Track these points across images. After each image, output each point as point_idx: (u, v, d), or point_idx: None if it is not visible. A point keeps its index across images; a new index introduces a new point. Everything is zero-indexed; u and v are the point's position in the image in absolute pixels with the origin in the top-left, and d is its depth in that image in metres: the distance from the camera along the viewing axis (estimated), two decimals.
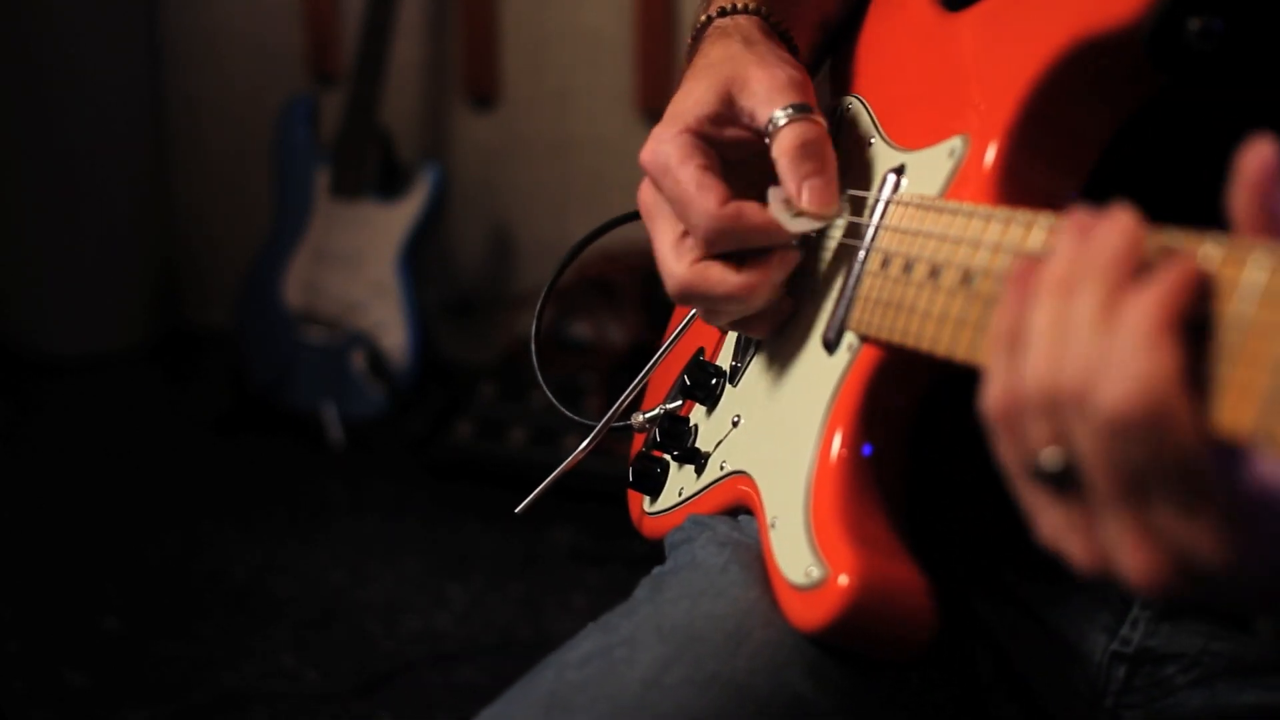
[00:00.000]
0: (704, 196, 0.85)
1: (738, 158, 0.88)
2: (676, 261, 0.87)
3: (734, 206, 0.85)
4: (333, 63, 3.51)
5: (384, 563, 2.68)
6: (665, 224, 0.88)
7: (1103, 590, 0.87)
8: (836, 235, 0.89)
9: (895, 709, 0.86)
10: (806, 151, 0.84)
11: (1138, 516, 0.57)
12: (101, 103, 3.45)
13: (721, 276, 0.86)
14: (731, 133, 0.88)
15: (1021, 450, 0.60)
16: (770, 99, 0.86)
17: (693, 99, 0.88)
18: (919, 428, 0.84)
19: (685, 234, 0.87)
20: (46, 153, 3.45)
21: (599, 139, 3.29)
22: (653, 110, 3.18)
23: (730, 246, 0.86)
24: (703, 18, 0.95)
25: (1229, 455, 0.54)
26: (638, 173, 0.91)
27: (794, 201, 0.84)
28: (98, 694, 2.27)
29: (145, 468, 3.07)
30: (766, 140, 0.86)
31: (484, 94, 3.41)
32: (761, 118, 0.86)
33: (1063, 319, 0.58)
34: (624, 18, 3.21)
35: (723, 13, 0.93)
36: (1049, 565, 0.88)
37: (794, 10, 0.96)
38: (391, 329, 3.13)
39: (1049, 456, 0.58)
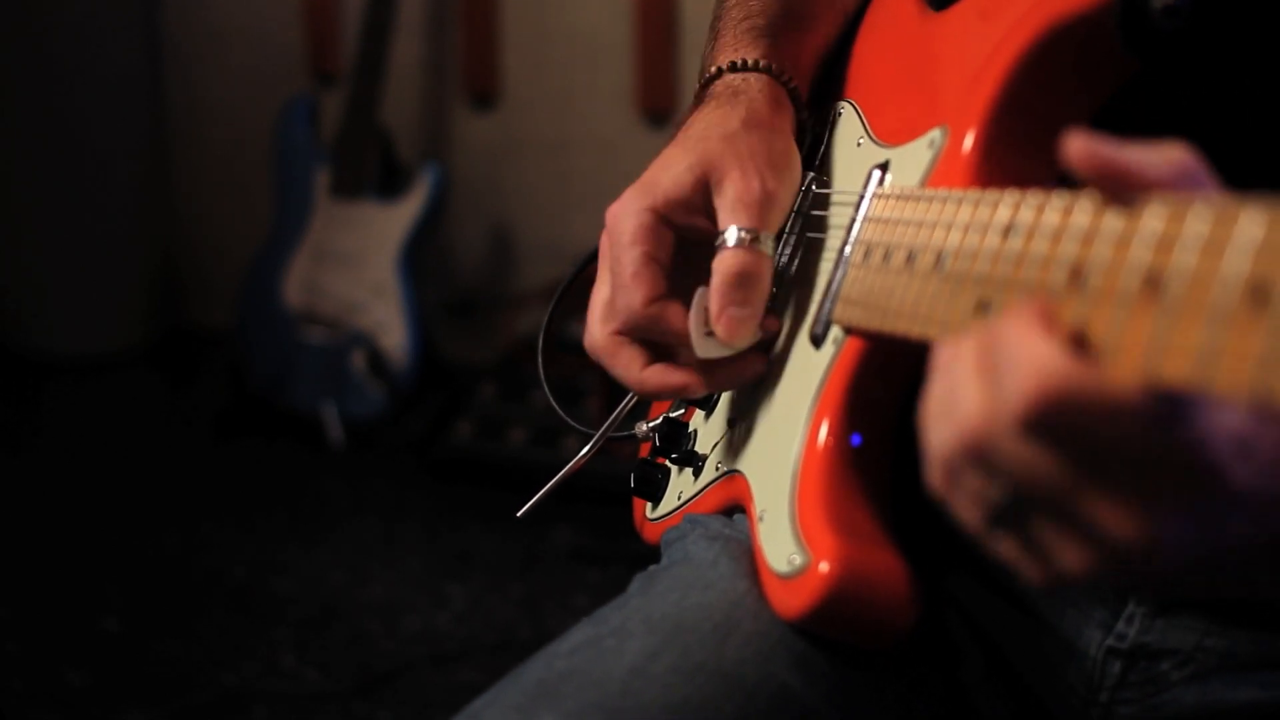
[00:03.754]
0: (635, 286, 0.87)
1: (702, 241, 0.89)
2: (600, 323, 0.90)
3: (657, 307, 0.87)
4: (333, 62, 3.51)
5: (384, 563, 2.69)
6: (606, 281, 0.90)
7: (1097, 585, 0.87)
8: (825, 235, 0.90)
9: (885, 702, 0.86)
10: (740, 281, 0.85)
11: (1109, 495, 0.57)
12: (102, 102, 3.45)
13: (627, 362, 0.89)
14: (697, 221, 0.89)
15: (972, 502, 0.61)
16: (734, 212, 0.87)
17: (670, 176, 0.89)
18: (909, 422, 0.85)
19: (616, 302, 0.89)
20: (47, 152, 3.45)
21: (599, 139, 3.29)
22: (652, 110, 3.18)
23: (646, 337, 0.88)
24: (713, 68, 0.95)
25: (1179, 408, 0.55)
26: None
27: (713, 322, 0.85)
28: (98, 694, 2.27)
29: (145, 468, 3.07)
30: (715, 247, 0.87)
31: (484, 94, 3.41)
32: (720, 224, 0.87)
33: (950, 385, 0.61)
34: (624, 18, 3.21)
35: (734, 67, 0.94)
36: None
37: (797, 47, 0.97)
38: (391, 329, 3.13)
39: (997, 490, 0.59)
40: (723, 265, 0.86)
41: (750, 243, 0.86)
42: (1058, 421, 0.55)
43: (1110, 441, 0.55)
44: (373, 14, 3.16)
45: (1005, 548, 0.62)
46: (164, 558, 2.70)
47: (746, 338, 0.86)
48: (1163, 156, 0.59)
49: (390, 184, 3.22)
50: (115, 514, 2.86)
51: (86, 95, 3.42)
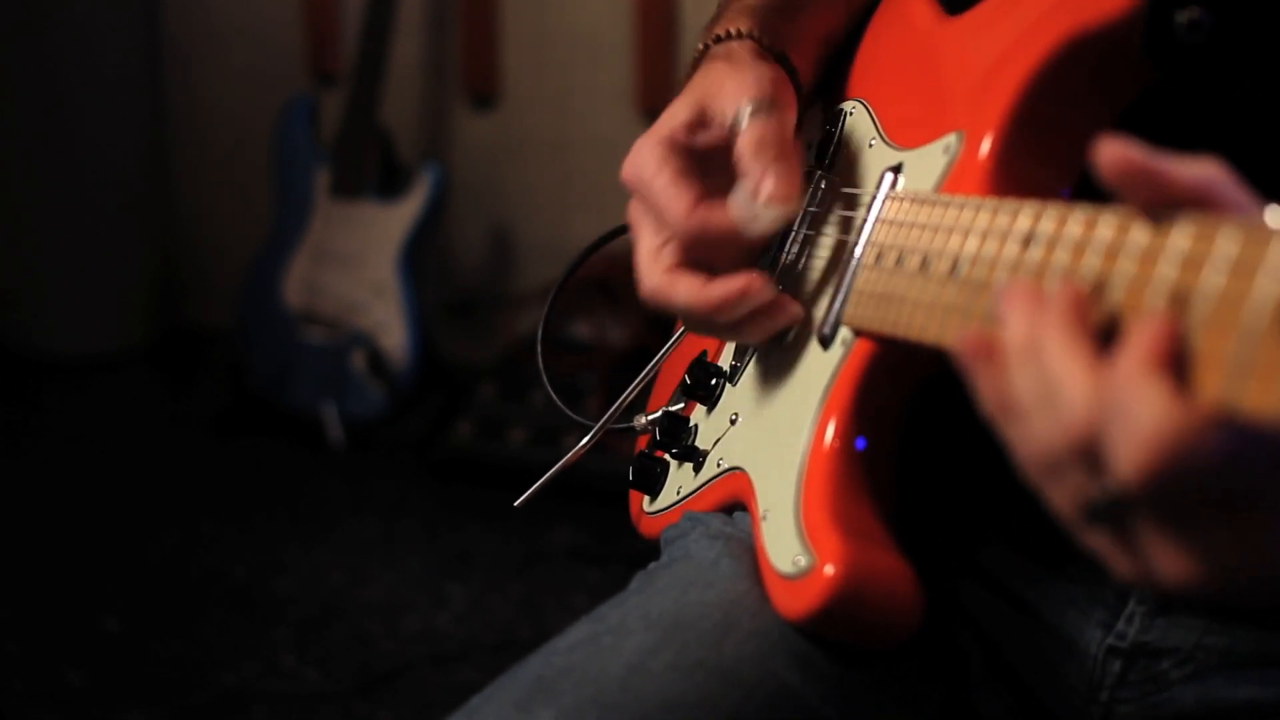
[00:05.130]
0: (676, 201, 0.87)
1: (717, 165, 0.89)
2: (651, 266, 0.89)
3: (704, 208, 0.87)
4: (333, 62, 3.51)
5: (384, 563, 2.69)
6: (646, 233, 0.90)
7: (1098, 584, 0.87)
8: (835, 234, 0.89)
9: (884, 701, 0.86)
10: (767, 141, 0.86)
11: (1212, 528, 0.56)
12: (102, 102, 3.45)
13: (690, 287, 0.87)
14: (705, 138, 0.90)
15: (1070, 496, 0.60)
16: (736, 98, 0.88)
17: (668, 113, 0.91)
18: (912, 425, 0.84)
19: (662, 244, 0.89)
20: (47, 152, 3.45)
21: (599, 139, 3.29)
22: (653, 110, 3.18)
23: (706, 248, 0.87)
24: (700, 46, 0.97)
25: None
26: None
27: (756, 191, 0.85)
28: (98, 694, 2.27)
29: (145, 467, 3.07)
30: (732, 135, 0.88)
31: (484, 94, 3.41)
32: (729, 116, 0.88)
33: (1044, 380, 0.59)
34: (624, 18, 3.21)
35: (718, 39, 0.95)
36: (1044, 560, 0.89)
37: (793, 29, 0.97)
38: (391, 329, 3.13)
39: (1100, 493, 0.58)
40: (746, 136, 0.86)
41: (765, 112, 0.87)
42: (1175, 475, 0.54)
43: (1218, 480, 0.54)
44: (373, 14, 3.16)
45: (1099, 543, 0.60)
46: (164, 558, 2.69)
47: (794, 194, 0.86)
48: (1194, 170, 0.58)
49: (390, 184, 3.22)
50: (115, 514, 2.86)
51: (86, 95, 3.42)
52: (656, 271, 0.89)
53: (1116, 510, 0.57)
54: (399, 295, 3.13)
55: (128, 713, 2.22)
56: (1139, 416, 0.54)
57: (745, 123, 0.87)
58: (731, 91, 0.89)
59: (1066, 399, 0.57)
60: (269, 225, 3.31)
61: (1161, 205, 0.57)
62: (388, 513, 2.87)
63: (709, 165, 0.90)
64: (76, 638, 2.43)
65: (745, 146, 0.86)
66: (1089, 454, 0.57)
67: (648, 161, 0.89)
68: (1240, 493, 0.55)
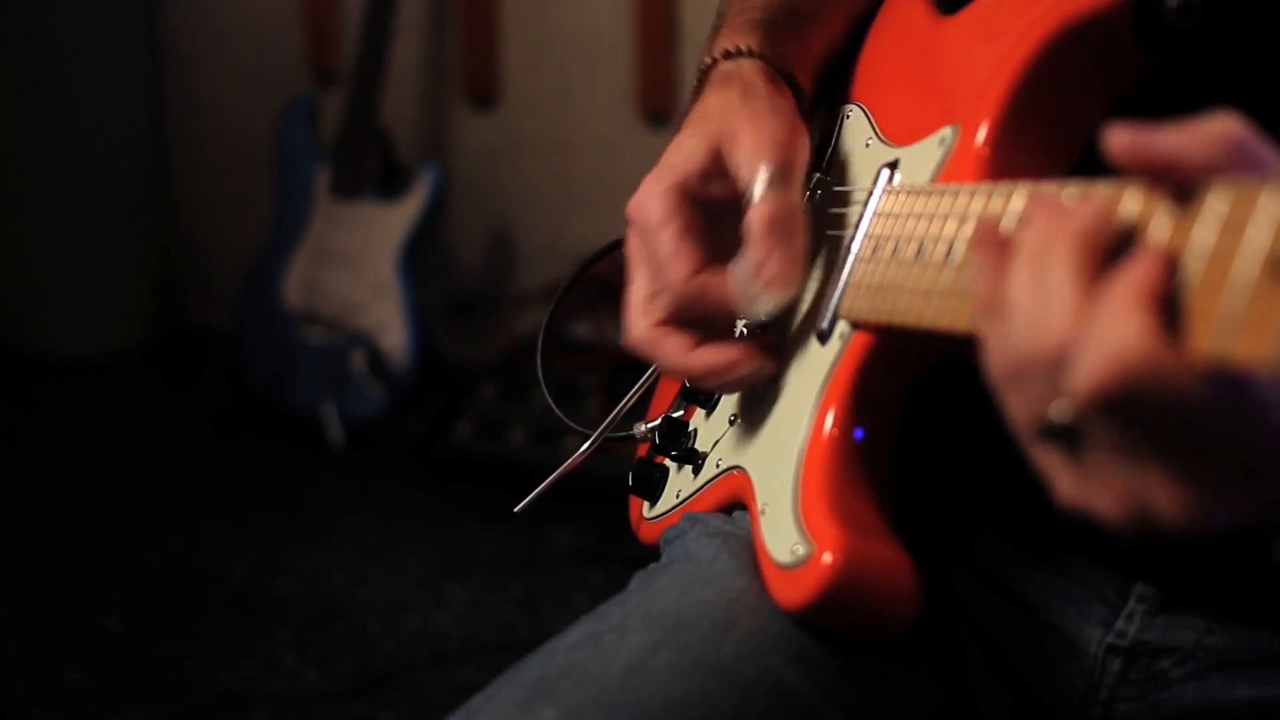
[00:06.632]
0: (676, 263, 0.86)
1: (728, 210, 0.88)
2: (641, 317, 0.88)
3: (702, 279, 0.86)
4: (333, 62, 3.51)
5: (384, 563, 2.69)
6: (640, 278, 0.89)
7: (1098, 582, 0.88)
8: (831, 232, 0.90)
9: (884, 698, 0.86)
10: (775, 227, 0.84)
11: (1151, 468, 0.56)
12: (102, 102, 3.45)
13: (675, 349, 0.87)
14: (719, 188, 0.88)
15: (1029, 408, 0.60)
16: (754, 159, 0.86)
17: (683, 153, 0.89)
18: (910, 418, 0.85)
19: (654, 295, 0.88)
20: (47, 152, 3.45)
21: (599, 139, 3.29)
22: (652, 110, 3.18)
23: (695, 316, 0.87)
24: (707, 60, 0.95)
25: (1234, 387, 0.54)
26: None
27: (758, 271, 0.84)
28: (98, 694, 2.28)
29: (145, 468, 3.07)
30: (744, 205, 0.87)
31: (484, 94, 3.41)
32: (744, 178, 0.87)
33: (1041, 287, 0.59)
34: (624, 18, 3.21)
35: (727, 55, 0.94)
36: (1043, 557, 0.89)
37: (799, 44, 0.96)
38: (391, 329, 3.13)
39: (1058, 409, 0.58)
40: (757, 215, 0.85)
41: (778, 188, 0.85)
42: (1125, 400, 0.55)
43: (1175, 425, 0.55)
44: (373, 14, 3.16)
45: (1047, 459, 0.60)
46: (164, 558, 2.70)
47: (793, 283, 0.85)
48: (1209, 133, 0.56)
49: (390, 184, 3.22)
50: (115, 514, 2.86)
51: (86, 95, 3.42)
52: (645, 324, 0.88)
53: (1066, 431, 0.57)
54: (399, 295, 3.13)
55: (128, 713, 2.23)
56: (1110, 337, 0.54)
57: (760, 192, 0.85)
58: (748, 146, 0.87)
59: (1053, 310, 0.58)
60: (269, 225, 3.31)
61: (1187, 183, 0.56)
62: (388, 513, 2.88)
63: (718, 211, 0.88)
64: (77, 638, 2.43)
65: (756, 221, 0.84)
66: (1056, 369, 0.57)
67: (655, 209, 0.87)
68: (1217, 451, 0.55)
